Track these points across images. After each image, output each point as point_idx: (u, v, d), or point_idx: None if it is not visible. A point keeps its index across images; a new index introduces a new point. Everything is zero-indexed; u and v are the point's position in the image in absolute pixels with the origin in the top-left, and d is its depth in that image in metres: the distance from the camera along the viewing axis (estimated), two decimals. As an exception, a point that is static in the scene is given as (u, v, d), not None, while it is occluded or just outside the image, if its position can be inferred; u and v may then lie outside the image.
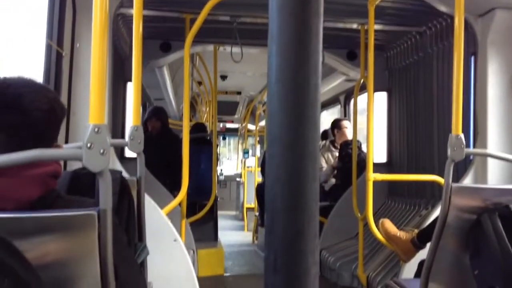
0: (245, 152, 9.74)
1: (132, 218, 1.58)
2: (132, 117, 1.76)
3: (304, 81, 0.44)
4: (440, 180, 2.97)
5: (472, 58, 3.07)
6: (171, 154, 4.71)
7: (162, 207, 2.58)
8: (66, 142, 2.21)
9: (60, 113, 1.13)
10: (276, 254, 0.44)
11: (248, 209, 8.50)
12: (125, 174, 1.86)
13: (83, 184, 1.37)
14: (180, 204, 3.20)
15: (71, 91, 2.40)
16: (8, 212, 0.98)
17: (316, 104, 0.45)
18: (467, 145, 1.87)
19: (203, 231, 4.77)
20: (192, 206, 4.37)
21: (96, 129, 0.99)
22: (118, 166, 2.54)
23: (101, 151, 0.99)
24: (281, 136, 0.45)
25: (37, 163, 1.04)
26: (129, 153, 3.95)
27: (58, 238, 0.99)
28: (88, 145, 0.98)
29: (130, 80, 3.81)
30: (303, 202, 0.44)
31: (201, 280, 2.60)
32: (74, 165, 1.43)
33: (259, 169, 7.25)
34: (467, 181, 2.91)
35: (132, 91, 1.86)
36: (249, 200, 8.60)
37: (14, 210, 1.00)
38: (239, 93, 8.36)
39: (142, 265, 1.67)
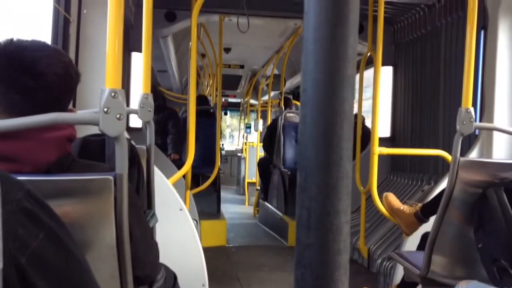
0: (248, 126, 9.72)
1: (142, 186, 1.59)
2: (142, 85, 1.75)
3: (342, 39, 0.44)
4: (445, 154, 2.98)
5: (482, 32, 3.04)
6: (169, 127, 4.78)
7: (166, 178, 2.59)
8: (74, 107, 2.20)
9: (75, 77, 1.13)
10: (310, 212, 0.45)
11: (249, 183, 8.55)
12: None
13: (92, 150, 1.37)
14: (184, 175, 3.22)
15: (78, 58, 2.39)
16: (26, 175, 0.98)
17: (352, 63, 0.45)
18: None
19: (206, 203, 4.81)
20: (195, 178, 4.39)
21: (112, 94, 0.98)
22: (126, 135, 2.54)
23: (118, 116, 0.99)
24: (316, 95, 0.45)
25: (53, 127, 1.04)
26: (133, 123, 3.95)
27: (76, 201, 1.00)
28: (105, 109, 0.98)
29: (135, 50, 3.82)
30: (336, 160, 0.45)
31: (203, 250, 2.63)
32: (81, 132, 1.43)
33: (261, 144, 7.26)
34: (473, 155, 2.92)
35: (140, 60, 1.85)
36: (250, 175, 8.64)
37: (30, 173, 1.01)
38: (242, 66, 8.29)
39: (153, 232, 1.69)
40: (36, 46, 1.07)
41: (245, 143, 9.89)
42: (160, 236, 1.77)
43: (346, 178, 0.45)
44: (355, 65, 0.45)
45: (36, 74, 1.03)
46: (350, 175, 0.46)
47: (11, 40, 1.06)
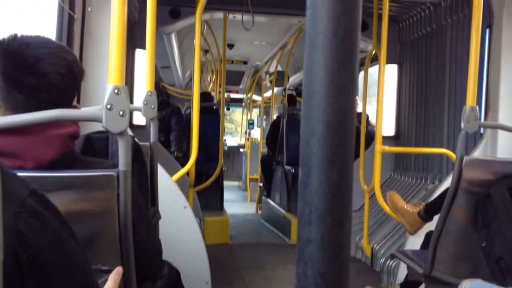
0: (250, 123, 9.72)
1: (145, 183, 1.59)
2: (146, 82, 1.75)
3: (345, 35, 0.43)
4: (450, 153, 2.97)
5: (487, 31, 3.02)
6: (172, 124, 4.79)
7: (170, 175, 2.60)
8: (78, 103, 2.22)
9: (79, 75, 1.13)
10: (311, 208, 0.45)
11: (252, 179, 8.55)
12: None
13: (96, 148, 1.38)
14: (188, 173, 3.23)
15: (83, 55, 2.39)
16: (28, 171, 0.99)
17: (355, 58, 0.45)
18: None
19: (209, 200, 4.81)
20: (199, 175, 4.40)
21: (116, 90, 0.99)
22: (129, 132, 2.55)
23: (121, 112, 0.99)
24: (318, 90, 0.45)
25: (57, 124, 1.04)
26: (137, 121, 3.96)
27: (79, 197, 1.00)
28: (108, 106, 0.98)
29: (139, 47, 3.83)
30: (339, 156, 0.45)
31: (207, 248, 2.64)
32: (85, 129, 1.44)
33: (264, 140, 7.26)
34: (477, 154, 2.91)
35: (144, 57, 1.85)
36: (253, 171, 8.64)
37: (33, 169, 1.01)
38: (245, 62, 8.28)
39: (156, 229, 1.70)
40: (39, 44, 1.06)
41: (248, 139, 9.88)
42: (164, 233, 1.78)
43: (348, 174, 0.45)
44: (358, 61, 0.45)
45: (40, 74, 1.03)
46: (352, 171, 0.46)
47: (15, 36, 1.05)
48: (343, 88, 0.44)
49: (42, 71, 1.03)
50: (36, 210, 0.66)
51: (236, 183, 10.26)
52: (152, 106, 1.66)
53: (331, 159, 0.44)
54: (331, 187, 0.44)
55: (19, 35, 1.06)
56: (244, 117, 11.41)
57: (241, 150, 10.39)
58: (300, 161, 0.46)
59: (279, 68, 6.96)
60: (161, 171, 2.40)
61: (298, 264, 0.45)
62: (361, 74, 4.50)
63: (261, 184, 6.96)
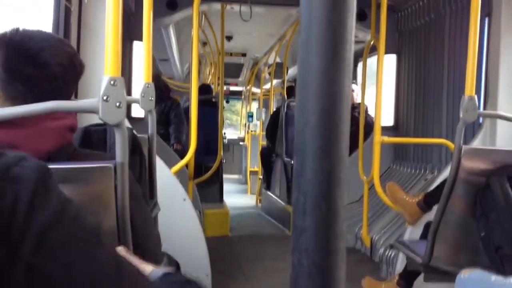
0: (250, 115, 9.71)
1: (144, 175, 1.59)
2: (144, 74, 1.74)
3: (339, 22, 0.43)
4: (448, 143, 2.97)
5: (486, 20, 3.01)
6: (171, 117, 4.79)
7: (169, 167, 2.59)
8: (76, 97, 2.21)
9: (80, 68, 1.13)
10: (306, 197, 0.45)
11: (252, 172, 8.56)
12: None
13: (94, 140, 1.37)
14: (187, 165, 3.23)
15: (80, 47, 2.39)
16: (26, 164, 0.98)
17: (350, 48, 0.44)
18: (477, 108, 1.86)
19: (209, 193, 4.82)
20: (198, 167, 4.41)
21: (112, 82, 0.98)
22: (127, 124, 2.54)
23: (117, 104, 0.99)
24: (312, 79, 0.45)
25: (55, 116, 1.04)
26: (135, 114, 3.96)
27: (76, 189, 1.00)
28: (104, 97, 0.97)
29: (136, 39, 3.81)
30: (333, 144, 0.44)
31: (207, 240, 2.64)
32: (84, 122, 1.43)
33: (264, 132, 7.25)
34: (476, 144, 2.91)
35: (142, 49, 1.84)
36: (253, 163, 8.65)
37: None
38: (244, 55, 8.25)
39: (155, 221, 1.70)
40: (41, 37, 1.07)
41: (247, 131, 9.88)
42: (164, 226, 1.78)
43: (343, 163, 0.45)
44: (352, 49, 0.45)
45: (41, 64, 1.04)
46: (347, 159, 0.46)
47: (17, 30, 1.06)
48: (337, 77, 0.44)
49: (44, 61, 1.04)
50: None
51: (236, 176, 10.27)
52: (150, 98, 1.65)
53: (325, 147, 0.44)
54: (325, 175, 0.44)
55: (21, 28, 1.07)
56: (244, 110, 11.39)
57: (241, 143, 10.39)
58: (295, 151, 0.46)
59: (278, 60, 6.94)
60: (160, 164, 2.40)
61: (293, 254, 0.45)
62: (360, 64, 4.49)
63: (261, 177, 6.97)
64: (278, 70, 6.85)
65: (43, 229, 0.56)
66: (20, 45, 1.04)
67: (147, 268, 0.80)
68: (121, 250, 0.84)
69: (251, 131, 9.70)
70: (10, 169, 0.57)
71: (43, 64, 1.04)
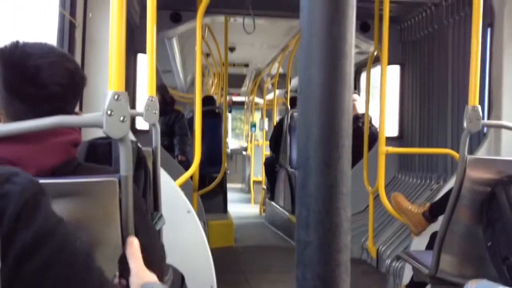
0: (252, 125, 9.72)
1: (148, 188, 1.59)
2: (147, 87, 1.75)
3: (339, 36, 0.43)
4: (453, 153, 2.96)
5: (489, 30, 3.02)
6: (176, 129, 4.80)
7: (173, 179, 2.59)
8: (80, 109, 2.22)
9: (81, 83, 1.13)
10: (309, 210, 0.45)
11: (255, 182, 8.55)
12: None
13: (99, 154, 1.38)
14: (191, 177, 3.23)
15: (84, 61, 2.40)
16: (30, 178, 0.99)
17: (350, 60, 0.44)
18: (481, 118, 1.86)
19: (213, 203, 4.81)
20: (202, 178, 4.41)
21: (116, 96, 0.99)
22: (132, 137, 2.55)
23: (121, 118, 0.99)
24: (313, 93, 0.45)
25: (59, 132, 1.04)
26: (140, 126, 3.97)
27: (81, 204, 1.00)
28: (108, 112, 0.98)
29: (140, 51, 3.84)
30: (335, 158, 0.44)
31: (212, 251, 2.63)
32: (89, 136, 1.44)
33: (267, 142, 7.25)
34: (481, 153, 2.90)
35: (146, 62, 1.85)
36: (256, 173, 8.64)
37: (35, 176, 1.01)
38: (246, 65, 8.29)
39: (159, 234, 1.69)
40: (41, 53, 1.06)
41: (250, 141, 9.88)
42: (168, 238, 1.77)
43: (345, 176, 0.45)
44: (352, 62, 0.45)
45: (40, 85, 1.03)
46: (350, 173, 0.46)
47: (16, 44, 1.05)
48: (338, 90, 0.44)
49: (42, 82, 1.03)
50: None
51: (239, 186, 10.25)
52: (154, 112, 1.66)
53: (328, 161, 0.44)
54: (328, 189, 0.44)
55: (21, 42, 1.06)
56: (246, 120, 11.42)
57: (244, 153, 10.38)
58: (297, 164, 0.46)
59: (281, 71, 6.97)
60: (164, 176, 2.40)
61: (297, 267, 0.45)
62: (363, 75, 4.50)
63: (265, 187, 6.96)
64: (281, 80, 6.88)
65: (21, 253, 0.55)
66: (19, 63, 1.03)
67: (149, 278, 0.80)
68: (131, 242, 0.84)
69: (255, 141, 9.71)
70: (0, 185, 0.57)
71: (42, 85, 1.03)
